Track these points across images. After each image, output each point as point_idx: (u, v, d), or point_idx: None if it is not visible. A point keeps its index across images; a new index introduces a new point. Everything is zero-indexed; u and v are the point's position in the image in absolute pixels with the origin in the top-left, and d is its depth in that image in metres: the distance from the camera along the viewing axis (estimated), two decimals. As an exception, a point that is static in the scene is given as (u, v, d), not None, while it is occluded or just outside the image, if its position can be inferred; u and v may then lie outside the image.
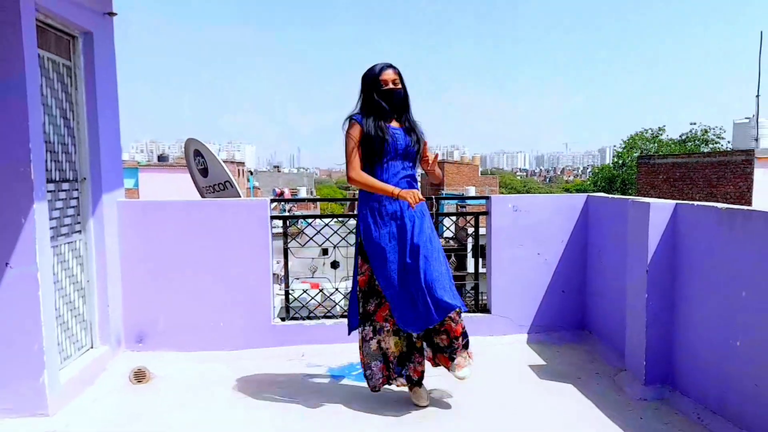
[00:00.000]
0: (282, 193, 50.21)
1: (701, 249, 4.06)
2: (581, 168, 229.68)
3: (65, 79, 4.76)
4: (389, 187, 4.01)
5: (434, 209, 5.62)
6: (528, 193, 79.35)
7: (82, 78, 4.90)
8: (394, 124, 4.16)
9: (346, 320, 5.38)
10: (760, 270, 3.53)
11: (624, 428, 3.92)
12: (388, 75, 4.07)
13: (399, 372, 4.28)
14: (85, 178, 4.96)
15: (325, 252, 6.50)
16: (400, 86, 4.12)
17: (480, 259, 6.09)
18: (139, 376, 4.83)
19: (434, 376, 4.68)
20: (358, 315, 4.25)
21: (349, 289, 5.63)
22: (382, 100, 4.07)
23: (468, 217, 6.30)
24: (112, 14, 5.27)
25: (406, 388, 4.39)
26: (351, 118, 4.11)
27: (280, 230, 5.89)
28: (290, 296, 5.88)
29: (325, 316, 5.81)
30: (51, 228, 4.39)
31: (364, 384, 4.50)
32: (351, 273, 4.66)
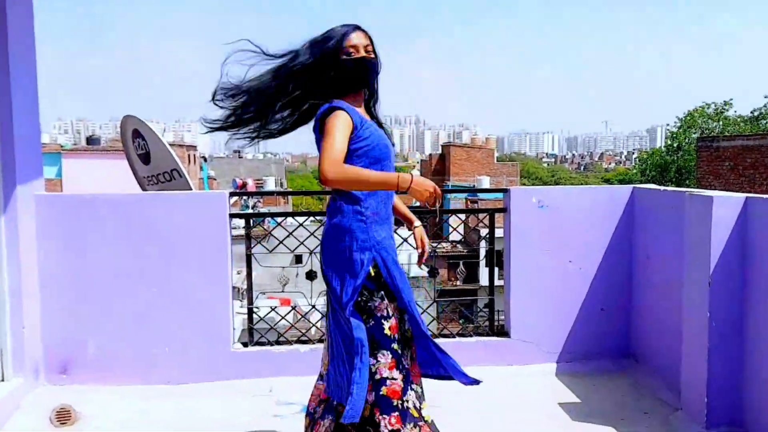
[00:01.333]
0: (244, 185, 50.21)
1: (777, 255, 4.07)
2: (625, 153, 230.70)
3: (-33, 37, 4.74)
4: (392, 176, 3.40)
5: (438, 205, 5.62)
6: (557, 184, 79.51)
7: (-11, 37, 4.89)
8: (365, 114, 3.70)
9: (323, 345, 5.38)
10: None
11: (679, 482, 3.95)
12: (359, 38, 3.54)
13: None
14: (-8, 165, 4.95)
15: (298, 260, 6.50)
16: (372, 55, 3.61)
17: (496, 269, 6.11)
18: (63, 416, 4.82)
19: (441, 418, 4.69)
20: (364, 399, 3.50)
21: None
22: (348, 79, 3.55)
23: (481, 215, 6.31)
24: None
25: None
26: (334, 108, 3.48)
27: (242, 232, 5.89)
28: (254, 315, 5.88)
29: (299, 341, 5.81)
30: (-51, 228, 4.37)
31: None
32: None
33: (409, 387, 3.57)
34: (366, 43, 3.54)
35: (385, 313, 3.54)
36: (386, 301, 3.55)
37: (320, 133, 3.48)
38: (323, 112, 3.49)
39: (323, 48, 3.53)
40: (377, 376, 3.49)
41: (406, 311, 3.63)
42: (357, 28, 3.57)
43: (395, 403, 3.50)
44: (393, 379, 3.51)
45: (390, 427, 3.47)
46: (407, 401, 3.55)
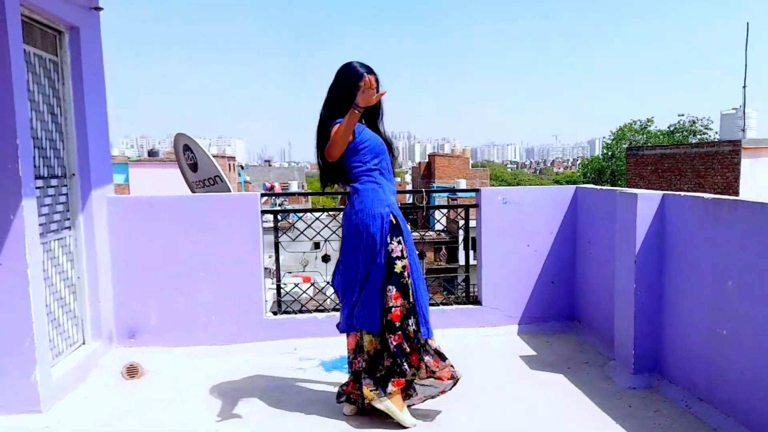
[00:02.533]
0: (273, 188, 50.17)
1: (688, 239, 4.08)
2: (571, 160, 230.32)
3: (52, 74, 4.73)
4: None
5: (425, 202, 5.63)
6: (518, 185, 79.46)
7: (69, 73, 4.88)
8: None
9: (337, 313, 5.39)
10: (746, 259, 3.55)
11: (613, 417, 3.95)
12: (371, 79, 3.68)
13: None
14: (74, 174, 4.94)
15: (316, 246, 6.49)
16: None
17: (471, 252, 6.11)
18: (132, 371, 4.83)
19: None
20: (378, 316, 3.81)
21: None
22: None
23: (459, 210, 6.31)
24: (98, 9, 5.24)
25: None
26: (337, 122, 3.79)
27: (271, 224, 5.88)
28: (282, 290, 5.88)
29: (317, 310, 5.81)
30: (40, 224, 4.37)
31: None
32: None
33: (411, 315, 3.79)
34: (375, 84, 3.70)
35: (398, 254, 3.78)
36: (402, 245, 3.80)
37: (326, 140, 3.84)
38: (324, 121, 3.89)
39: (344, 83, 3.84)
40: (385, 306, 3.78)
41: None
42: (370, 71, 3.84)
43: (397, 325, 3.78)
44: (396, 306, 3.76)
45: (394, 343, 3.79)
46: (408, 325, 3.80)
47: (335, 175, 4.02)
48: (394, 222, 3.79)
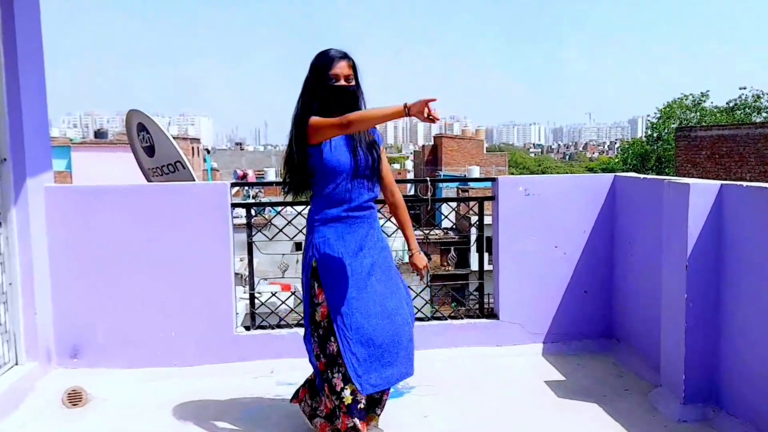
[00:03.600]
0: (245, 176, 50.16)
1: (753, 239, 4.09)
2: (608, 143, 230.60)
3: (-22, 37, 4.72)
4: (387, 108, 3.67)
5: (430, 194, 5.62)
6: (543, 173, 79.46)
7: None
8: None
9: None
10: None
11: (659, 455, 3.96)
12: (341, 68, 3.90)
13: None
14: (5, 159, 4.93)
15: (298, 247, 6.49)
16: (353, 82, 3.98)
17: (486, 254, 6.12)
18: (75, 398, 4.82)
19: (435, 396, 4.71)
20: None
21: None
22: (329, 98, 3.91)
23: (471, 203, 6.31)
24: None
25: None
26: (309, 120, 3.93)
27: (244, 221, 5.88)
28: (256, 300, 5.88)
29: (299, 324, 5.81)
30: (-37, 220, 4.36)
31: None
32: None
33: (335, 367, 3.90)
34: (348, 72, 3.92)
35: (318, 300, 3.95)
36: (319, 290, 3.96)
37: (299, 141, 3.95)
38: (295, 120, 3.99)
39: (314, 73, 3.95)
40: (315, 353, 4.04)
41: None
42: (343, 57, 3.94)
43: (323, 375, 3.97)
44: (320, 357, 3.98)
45: (325, 391, 3.98)
46: (333, 377, 3.90)
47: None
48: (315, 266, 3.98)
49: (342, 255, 3.90)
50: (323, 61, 3.94)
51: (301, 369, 5.38)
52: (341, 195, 3.92)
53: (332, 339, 3.86)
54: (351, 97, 3.95)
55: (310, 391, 4.23)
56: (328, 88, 3.89)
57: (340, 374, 3.85)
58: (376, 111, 3.71)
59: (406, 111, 3.55)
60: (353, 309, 3.84)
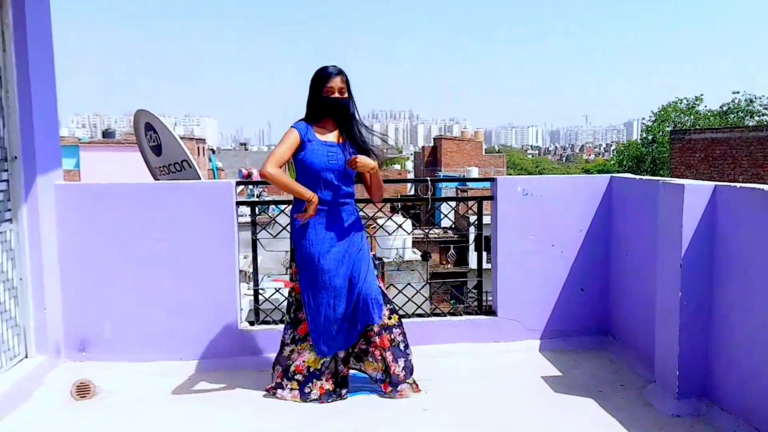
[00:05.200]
0: (249, 175, 49.91)
1: (745, 239, 4.08)
2: (604, 145, 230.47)
3: (-9, 38, 4.72)
4: (303, 190, 4.60)
5: (430, 193, 5.62)
6: (541, 174, 79.42)
7: (11, 38, 4.86)
8: (332, 136, 4.77)
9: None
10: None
11: (653, 449, 3.96)
12: (335, 83, 4.66)
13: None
14: (16, 157, 4.93)
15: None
16: (346, 95, 4.71)
17: (484, 253, 6.11)
18: (83, 390, 4.82)
19: (434, 391, 4.72)
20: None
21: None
22: (322, 109, 4.70)
23: (470, 203, 6.31)
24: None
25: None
26: (291, 126, 4.71)
27: (248, 219, 5.88)
28: (260, 297, 5.88)
29: (302, 320, 5.80)
30: (-25, 216, 4.36)
31: (349, 399, 4.66)
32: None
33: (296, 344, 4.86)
34: (341, 86, 4.67)
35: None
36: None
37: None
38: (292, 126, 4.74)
39: (313, 86, 4.71)
40: None
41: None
42: (338, 74, 4.68)
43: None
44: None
45: None
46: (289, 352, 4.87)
47: None
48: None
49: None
50: (320, 77, 4.68)
51: (304, 363, 5.38)
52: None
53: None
54: (343, 107, 4.71)
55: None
56: (323, 100, 4.66)
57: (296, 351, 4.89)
58: (292, 186, 4.62)
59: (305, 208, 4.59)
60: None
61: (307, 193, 4.56)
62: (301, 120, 4.73)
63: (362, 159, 4.63)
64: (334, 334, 4.70)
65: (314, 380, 4.74)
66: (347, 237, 4.74)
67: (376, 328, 4.70)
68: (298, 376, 4.76)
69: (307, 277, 4.70)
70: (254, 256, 5.88)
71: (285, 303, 5.91)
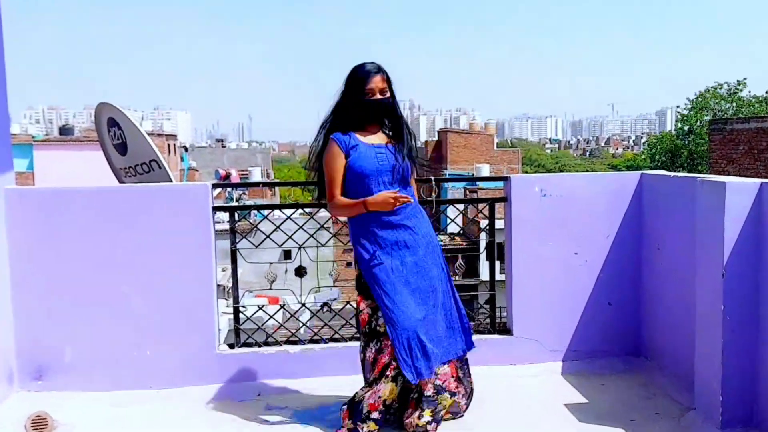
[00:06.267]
0: (228, 176, 50.14)
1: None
2: (633, 137, 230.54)
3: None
4: (356, 202, 4.57)
5: (434, 195, 5.62)
6: (561, 171, 79.40)
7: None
8: (377, 138, 4.73)
9: (315, 345, 5.43)
10: None
11: (693, 486, 3.96)
12: (376, 83, 4.57)
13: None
14: (-41, 158, 4.93)
15: (287, 255, 6.48)
16: (388, 95, 4.64)
17: (497, 263, 6.11)
18: (39, 424, 4.82)
19: (443, 422, 4.72)
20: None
21: (320, 303, 5.73)
22: (365, 112, 4.62)
23: (480, 205, 6.30)
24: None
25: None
26: (330, 138, 4.65)
27: (226, 226, 5.88)
28: (241, 315, 5.87)
29: (289, 342, 5.81)
30: None
31: (344, 432, 4.59)
32: (321, 282, 4.77)
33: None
34: (382, 86, 4.58)
35: (361, 307, 4.72)
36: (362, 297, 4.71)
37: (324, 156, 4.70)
38: (320, 130, 4.78)
39: (350, 87, 4.62)
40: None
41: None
42: (377, 72, 4.60)
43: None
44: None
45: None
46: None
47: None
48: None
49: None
50: (359, 77, 4.59)
51: (293, 391, 5.40)
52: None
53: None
54: (388, 109, 4.67)
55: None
56: (364, 103, 4.58)
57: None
58: (345, 207, 4.63)
59: (366, 207, 4.52)
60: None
61: (361, 204, 4.52)
62: (331, 126, 4.72)
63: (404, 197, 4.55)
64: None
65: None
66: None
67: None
68: (375, 414, 4.61)
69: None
70: (234, 269, 5.87)
71: (269, 323, 5.94)
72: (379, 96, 4.59)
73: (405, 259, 4.54)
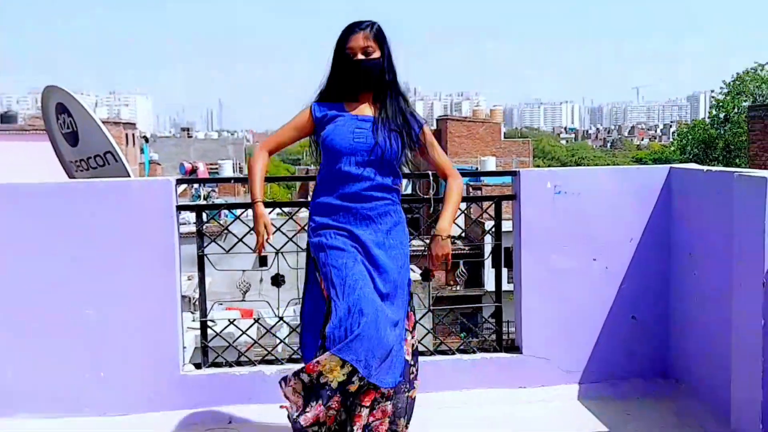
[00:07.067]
0: (194, 170, 50.15)
1: None
2: (661, 126, 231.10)
3: None
4: (256, 190, 4.60)
5: (432, 192, 5.61)
6: (578, 164, 79.55)
7: None
8: (365, 110, 4.55)
9: (295, 365, 5.42)
10: None
11: None
12: (356, 41, 4.37)
13: None
14: None
15: (262, 261, 6.49)
16: (376, 55, 4.42)
17: (504, 270, 6.11)
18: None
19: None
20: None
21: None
22: (345, 76, 4.46)
23: (485, 204, 6.31)
24: None
25: None
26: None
27: (193, 228, 5.88)
28: (209, 331, 5.87)
29: (265, 361, 5.81)
30: None
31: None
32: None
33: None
34: (365, 45, 4.36)
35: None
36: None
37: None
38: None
39: (335, 49, 4.47)
40: None
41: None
42: (363, 28, 4.40)
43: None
44: None
45: None
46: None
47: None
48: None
49: None
50: (341, 35, 4.44)
51: (269, 417, 5.39)
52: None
53: None
54: (368, 71, 4.43)
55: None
56: (341, 63, 4.43)
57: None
58: (252, 179, 4.63)
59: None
60: None
61: (254, 195, 4.56)
62: (320, 96, 4.60)
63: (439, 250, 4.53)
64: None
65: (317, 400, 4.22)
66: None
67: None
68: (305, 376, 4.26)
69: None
70: (201, 277, 5.86)
71: (241, 339, 5.94)
72: (360, 56, 4.37)
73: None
